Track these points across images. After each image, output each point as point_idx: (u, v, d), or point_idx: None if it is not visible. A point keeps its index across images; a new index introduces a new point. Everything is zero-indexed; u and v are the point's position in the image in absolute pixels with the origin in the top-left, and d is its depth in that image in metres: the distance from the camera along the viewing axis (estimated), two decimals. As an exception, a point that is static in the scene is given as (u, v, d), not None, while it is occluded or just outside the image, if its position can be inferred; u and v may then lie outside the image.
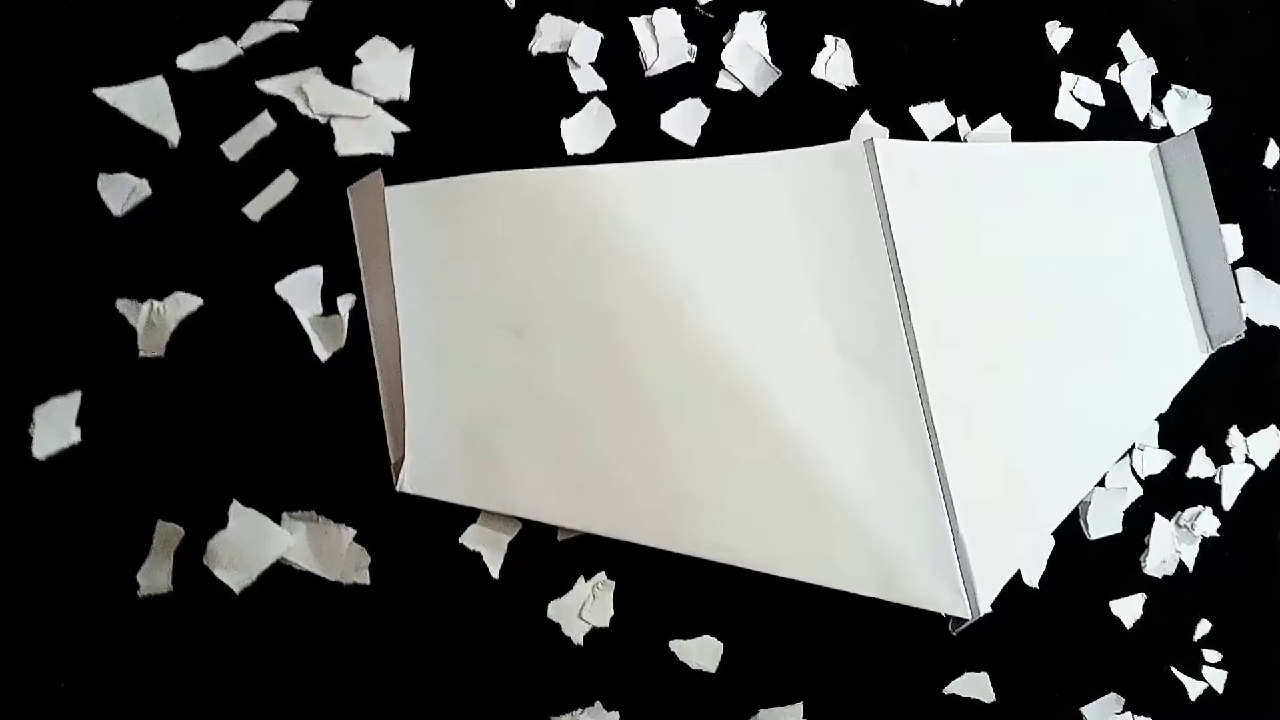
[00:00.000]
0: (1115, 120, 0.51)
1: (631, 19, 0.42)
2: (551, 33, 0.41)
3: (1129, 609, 0.46)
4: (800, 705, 0.40)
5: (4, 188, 0.33)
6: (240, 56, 0.36)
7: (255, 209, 0.35)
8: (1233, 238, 0.52)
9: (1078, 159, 0.49)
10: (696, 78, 0.43)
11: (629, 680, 0.37)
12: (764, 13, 0.44)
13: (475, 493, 0.36)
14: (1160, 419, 0.48)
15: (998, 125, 0.48)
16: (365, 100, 0.37)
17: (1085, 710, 0.45)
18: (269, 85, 0.36)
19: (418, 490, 0.35)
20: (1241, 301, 0.51)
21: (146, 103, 0.35)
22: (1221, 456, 0.50)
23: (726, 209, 0.41)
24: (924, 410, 0.41)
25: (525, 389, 0.37)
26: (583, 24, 0.41)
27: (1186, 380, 0.49)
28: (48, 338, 0.33)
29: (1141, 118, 0.52)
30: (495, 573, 0.36)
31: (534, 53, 0.40)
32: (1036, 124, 0.49)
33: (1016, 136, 0.49)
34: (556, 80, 0.40)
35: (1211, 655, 0.47)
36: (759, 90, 0.44)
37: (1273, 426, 0.51)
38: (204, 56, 0.36)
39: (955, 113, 0.47)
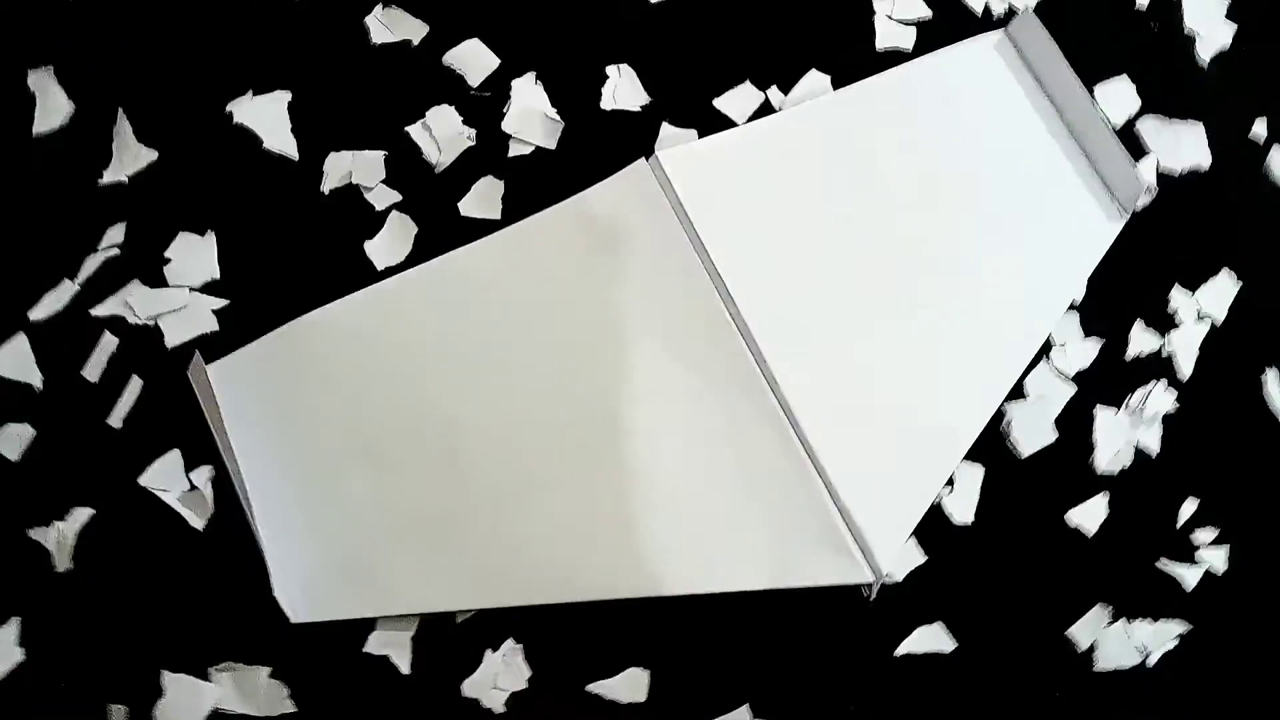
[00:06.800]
0: (951, 26, 0.50)
1: (407, 128, 0.45)
2: (337, 168, 0.45)
3: (1090, 514, 0.45)
4: (746, 707, 0.41)
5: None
6: (79, 292, 0.42)
7: (116, 417, 0.41)
8: (1126, 91, 0.50)
9: (909, 80, 0.48)
10: (486, 156, 0.46)
11: (560, 732, 0.40)
12: (536, 72, 0.46)
13: (365, 604, 0.40)
14: (1082, 307, 0.46)
15: (814, 82, 0.48)
16: (181, 292, 0.42)
17: (1070, 632, 0.43)
18: (102, 309, 0.42)
19: (311, 617, 0.39)
20: (1148, 154, 0.49)
21: (15, 360, 0.41)
22: (1166, 324, 0.47)
23: (532, 270, 0.43)
24: (776, 396, 0.41)
25: (385, 499, 0.41)
26: (364, 150, 0.45)
27: (1096, 260, 0.47)
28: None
29: (979, 11, 0.50)
30: (406, 669, 0.40)
31: (327, 191, 0.44)
32: (858, 65, 0.49)
33: (839, 85, 0.48)
34: (355, 208, 0.44)
35: (1204, 535, 0.45)
36: (551, 144, 0.46)
37: (1224, 271, 0.48)
38: (50, 304, 0.42)
39: (763, 87, 0.48)
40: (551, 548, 0.41)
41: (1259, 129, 0.51)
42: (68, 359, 0.42)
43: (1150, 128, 0.50)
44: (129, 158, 0.44)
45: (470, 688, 0.40)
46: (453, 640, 0.40)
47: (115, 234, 0.43)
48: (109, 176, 0.44)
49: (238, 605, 0.40)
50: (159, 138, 0.44)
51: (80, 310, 0.42)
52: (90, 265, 0.43)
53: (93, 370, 0.42)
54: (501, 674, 0.40)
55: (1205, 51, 0.51)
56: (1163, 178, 0.49)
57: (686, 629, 0.42)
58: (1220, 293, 0.48)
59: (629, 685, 0.41)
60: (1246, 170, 0.50)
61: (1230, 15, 0.52)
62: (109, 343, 0.42)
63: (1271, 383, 0.47)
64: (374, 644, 0.40)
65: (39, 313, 0.42)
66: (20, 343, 0.42)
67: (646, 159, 0.44)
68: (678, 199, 0.43)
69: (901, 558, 0.43)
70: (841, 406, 0.42)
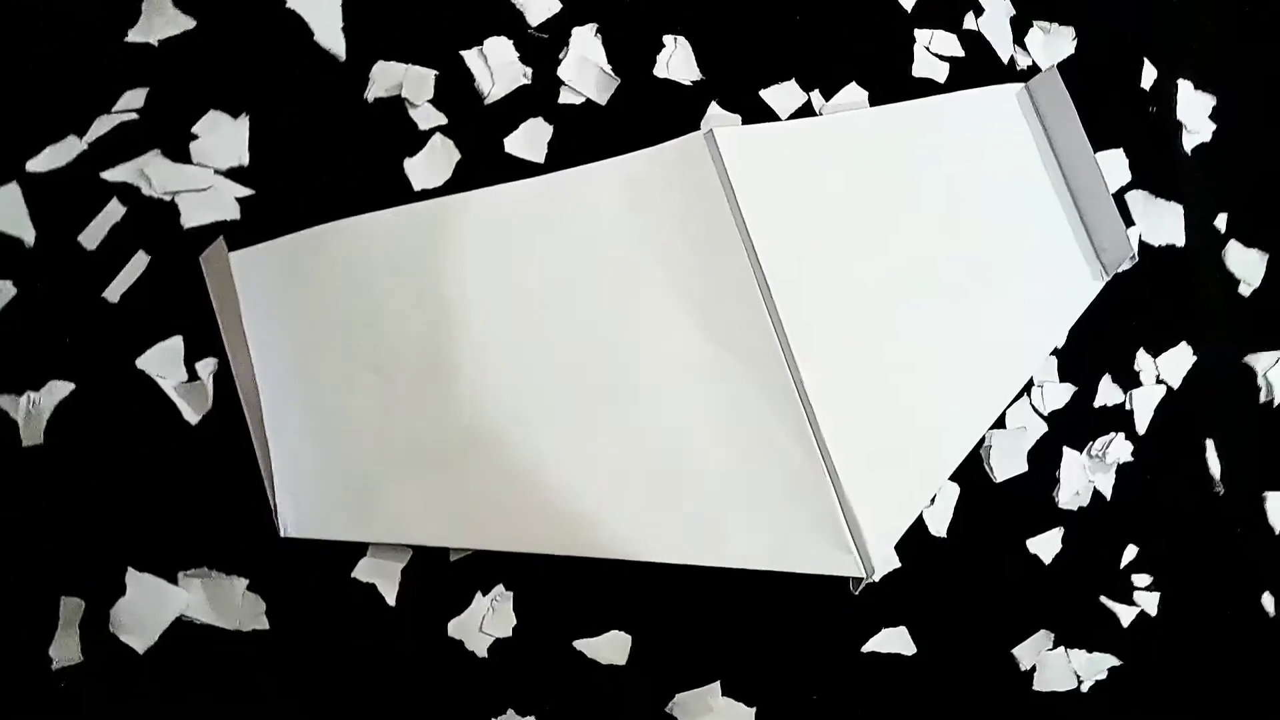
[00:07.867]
0: (978, 68, 0.53)
1: (462, 52, 0.44)
2: (385, 78, 0.43)
3: (1046, 545, 0.47)
4: (717, 684, 0.41)
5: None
6: (86, 151, 0.39)
7: (114, 291, 0.38)
8: (1119, 162, 0.53)
9: (938, 113, 0.51)
10: (537, 98, 0.45)
11: (539, 685, 0.39)
12: (597, 24, 0.46)
13: (360, 528, 0.38)
14: (1061, 353, 0.49)
15: (853, 93, 0.50)
16: (205, 172, 0.40)
17: (1015, 651, 0.46)
18: (113, 174, 0.39)
19: (301, 533, 0.37)
20: (1132, 225, 0.52)
21: (4, 210, 0.38)
22: (1130, 382, 0.50)
23: (574, 219, 0.43)
24: (796, 384, 0.42)
25: (393, 423, 0.39)
26: (415, 65, 0.43)
27: (1080, 312, 0.50)
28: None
29: (1005, 60, 0.53)
30: (392, 600, 0.39)
31: (370, 99, 0.42)
32: (894, 86, 0.51)
33: (874, 102, 0.50)
34: (397, 123, 0.43)
35: (1141, 579, 0.48)
36: (602, 99, 0.46)
37: (1182, 344, 0.52)
38: (52, 157, 0.39)
39: (807, 89, 0.49)
40: (553, 499, 0.40)
41: (1221, 221, 0.56)
42: (66, 220, 0.39)
43: (1137, 200, 0.54)
44: (161, 21, 0.41)
45: (455, 628, 0.39)
46: (443, 578, 0.39)
47: (134, 98, 0.40)
48: (135, 36, 0.41)
49: (222, 510, 0.37)
50: (198, 6, 0.42)
51: (87, 172, 0.39)
52: (102, 126, 0.40)
53: (91, 237, 0.39)
54: (488, 619, 0.39)
55: (1189, 142, 0.56)
56: (1142, 248, 0.53)
57: (672, 600, 0.42)
58: (1177, 362, 0.52)
59: (611, 647, 0.41)
60: (1210, 255, 0.55)
61: (1213, 116, 0.57)
62: (115, 211, 0.39)
63: (1211, 451, 0.52)
64: (363, 570, 0.38)
65: (38, 165, 0.39)
66: (12, 192, 0.38)
67: (702, 134, 0.45)
68: (728, 178, 0.44)
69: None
70: (854, 407, 0.43)
